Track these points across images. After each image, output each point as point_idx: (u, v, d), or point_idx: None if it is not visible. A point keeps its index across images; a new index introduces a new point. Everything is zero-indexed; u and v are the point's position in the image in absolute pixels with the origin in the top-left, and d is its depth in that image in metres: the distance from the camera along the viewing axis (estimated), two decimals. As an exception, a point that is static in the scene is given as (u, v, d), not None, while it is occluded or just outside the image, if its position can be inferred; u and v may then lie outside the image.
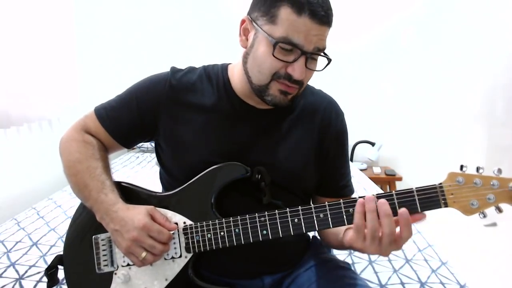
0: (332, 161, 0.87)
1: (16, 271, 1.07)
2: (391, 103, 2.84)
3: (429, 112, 2.82)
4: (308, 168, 0.83)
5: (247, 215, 0.71)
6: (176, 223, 0.75)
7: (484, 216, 0.63)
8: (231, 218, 0.72)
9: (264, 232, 0.70)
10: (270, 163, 0.78)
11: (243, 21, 0.76)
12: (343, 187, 0.89)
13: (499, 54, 2.68)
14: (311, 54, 0.71)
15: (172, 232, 0.72)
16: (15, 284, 1.00)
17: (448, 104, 2.79)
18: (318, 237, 1.00)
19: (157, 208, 0.75)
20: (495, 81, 2.74)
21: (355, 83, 2.84)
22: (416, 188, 0.64)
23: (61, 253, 0.84)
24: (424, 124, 2.84)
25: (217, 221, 0.73)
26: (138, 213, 0.71)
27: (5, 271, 1.06)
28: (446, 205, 0.64)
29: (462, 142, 2.78)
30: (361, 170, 2.62)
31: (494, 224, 2.63)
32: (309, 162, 0.83)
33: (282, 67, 0.71)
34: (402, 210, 0.62)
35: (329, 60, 0.75)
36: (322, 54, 0.73)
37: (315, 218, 0.68)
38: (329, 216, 0.68)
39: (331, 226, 0.68)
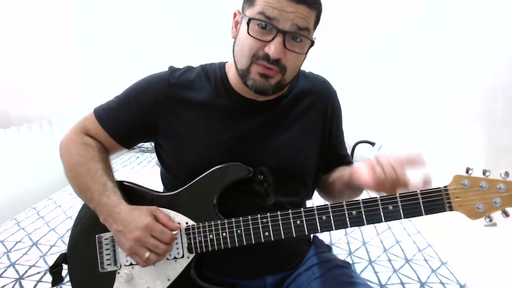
0: (334, 136, 0.91)
1: (16, 271, 1.06)
2: (391, 103, 2.84)
3: (429, 112, 2.82)
4: (310, 155, 0.85)
5: (250, 216, 0.71)
6: (179, 223, 0.75)
7: (490, 220, 0.62)
8: (233, 219, 0.72)
9: (266, 233, 0.70)
10: (273, 153, 0.79)
11: (234, 14, 0.79)
12: (344, 156, 0.94)
13: (499, 54, 2.67)
14: (289, 33, 0.70)
15: (175, 232, 0.72)
16: (15, 284, 1.00)
17: (448, 104, 2.79)
18: (319, 237, 1.00)
19: (160, 208, 0.75)
20: (495, 81, 2.73)
21: (355, 83, 2.83)
22: (421, 191, 0.63)
23: (65, 251, 0.85)
24: (424, 124, 2.84)
25: (219, 222, 0.73)
26: (140, 214, 0.71)
27: (5, 271, 1.06)
28: (451, 209, 0.63)
29: (462, 142, 2.78)
30: (361, 170, 2.61)
31: (494, 224, 2.62)
32: (311, 148, 0.85)
33: (260, 48, 0.71)
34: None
35: (312, 42, 0.74)
36: (301, 33, 0.71)
37: (317, 220, 0.68)
38: (331, 218, 0.68)
39: (333, 229, 0.68)
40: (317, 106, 0.87)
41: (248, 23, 0.70)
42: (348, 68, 2.81)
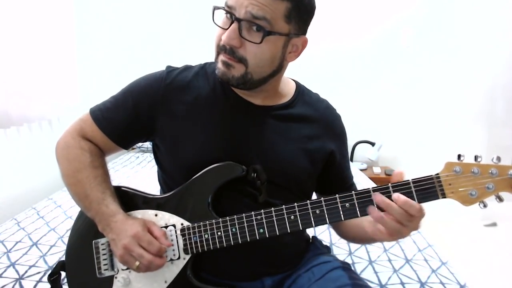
0: (339, 164, 0.89)
1: (16, 271, 1.06)
2: (391, 103, 2.84)
3: (429, 112, 2.81)
4: (304, 168, 0.83)
5: (244, 214, 0.71)
6: (174, 225, 0.75)
7: (485, 206, 0.61)
8: (227, 217, 0.72)
9: (261, 230, 0.70)
10: (267, 160, 0.78)
11: None
12: (349, 188, 0.92)
13: (499, 54, 2.67)
14: (244, 21, 0.68)
15: (167, 243, 0.73)
16: (15, 284, 1.00)
17: (448, 104, 2.79)
18: (319, 238, 1.00)
19: (157, 214, 0.76)
20: (495, 81, 2.73)
21: (355, 83, 2.83)
22: (413, 179, 0.63)
23: (63, 258, 0.85)
24: (424, 124, 2.83)
25: (214, 221, 0.73)
26: (133, 223, 0.72)
27: (5, 271, 1.06)
28: (444, 196, 0.62)
29: (462, 142, 2.78)
30: (361, 170, 2.61)
31: (494, 224, 2.63)
32: (305, 162, 0.83)
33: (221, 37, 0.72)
34: (395, 196, 0.62)
35: (264, 32, 0.69)
36: (256, 22, 0.68)
37: (311, 214, 0.68)
38: (325, 211, 0.67)
39: (327, 222, 0.68)
40: (319, 128, 0.85)
41: (213, 11, 0.73)
42: (349, 68, 2.81)
